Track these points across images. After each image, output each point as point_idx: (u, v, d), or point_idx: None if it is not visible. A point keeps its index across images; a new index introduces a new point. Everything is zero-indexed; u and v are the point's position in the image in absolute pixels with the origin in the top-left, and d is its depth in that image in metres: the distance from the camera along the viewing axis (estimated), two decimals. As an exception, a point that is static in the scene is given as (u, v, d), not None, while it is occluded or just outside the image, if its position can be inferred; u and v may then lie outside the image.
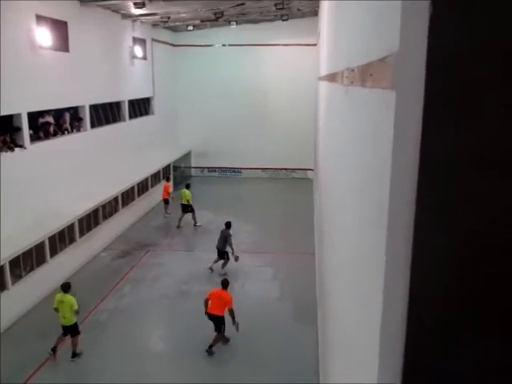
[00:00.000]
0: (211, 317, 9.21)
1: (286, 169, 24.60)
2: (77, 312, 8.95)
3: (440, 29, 0.67)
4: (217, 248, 12.94)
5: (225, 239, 12.91)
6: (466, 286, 0.87)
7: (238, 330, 9.23)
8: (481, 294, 0.86)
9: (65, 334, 9.04)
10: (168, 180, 18.54)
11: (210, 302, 9.19)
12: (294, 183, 23.21)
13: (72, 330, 9.03)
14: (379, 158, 1.66)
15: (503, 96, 0.71)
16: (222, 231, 13.13)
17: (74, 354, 9.05)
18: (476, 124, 0.74)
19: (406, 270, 0.91)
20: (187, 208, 16.75)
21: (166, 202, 17.95)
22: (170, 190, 18.22)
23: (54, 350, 8.94)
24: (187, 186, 17.41)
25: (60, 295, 9.03)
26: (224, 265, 12.89)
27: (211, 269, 12.88)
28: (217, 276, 12.58)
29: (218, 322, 9.19)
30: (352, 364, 2.67)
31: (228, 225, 13.18)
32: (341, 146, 4.57)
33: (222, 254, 12.90)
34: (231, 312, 9.09)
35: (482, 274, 0.84)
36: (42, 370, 8.69)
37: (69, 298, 8.93)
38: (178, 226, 16.76)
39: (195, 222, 16.82)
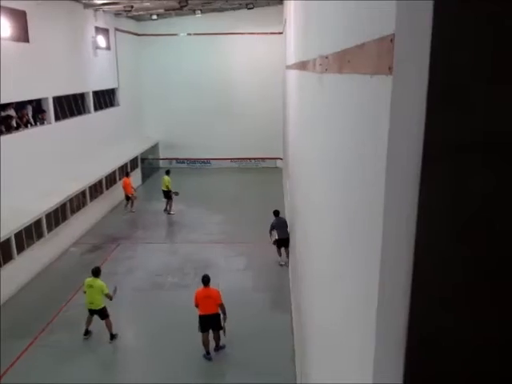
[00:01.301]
0: (207, 317, 8.70)
1: (255, 158, 24.62)
2: (108, 296, 9.16)
3: (444, 9, 0.69)
4: (281, 238, 12.45)
5: (286, 225, 12.49)
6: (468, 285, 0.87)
7: (225, 334, 8.88)
8: (484, 290, 0.87)
9: (91, 314, 9.27)
10: (128, 175, 17.57)
11: (199, 306, 8.72)
12: (264, 172, 23.29)
13: (101, 314, 9.24)
14: (367, 144, 1.69)
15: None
16: (277, 219, 12.70)
17: (112, 336, 9.27)
18: (483, 108, 0.75)
19: (407, 254, 0.91)
20: (169, 194, 16.86)
21: (127, 198, 17.29)
22: (132, 185, 17.61)
23: (87, 332, 9.31)
24: (167, 173, 17.55)
25: (90, 279, 9.21)
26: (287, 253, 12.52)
27: (282, 264, 12.60)
28: (190, 268, 12.57)
29: (216, 320, 8.75)
30: (337, 357, 2.73)
31: (276, 213, 12.90)
32: (315, 132, 4.61)
33: (287, 242, 12.37)
34: (222, 307, 8.69)
35: (484, 270, 0.85)
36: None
37: (98, 282, 9.15)
38: (169, 213, 16.97)
39: (169, 210, 16.93)
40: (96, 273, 9.28)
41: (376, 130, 1.45)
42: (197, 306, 8.75)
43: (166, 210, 17.12)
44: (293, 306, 9.62)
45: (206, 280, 8.91)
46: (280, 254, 12.69)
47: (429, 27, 0.73)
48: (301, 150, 7.46)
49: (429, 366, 0.89)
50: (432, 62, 0.77)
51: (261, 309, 10.50)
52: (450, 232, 0.82)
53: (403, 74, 0.95)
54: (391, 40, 1.22)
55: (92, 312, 9.28)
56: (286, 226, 12.45)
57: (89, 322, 9.35)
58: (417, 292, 0.89)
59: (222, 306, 8.67)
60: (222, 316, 8.74)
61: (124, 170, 18.54)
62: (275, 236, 12.57)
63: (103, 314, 9.26)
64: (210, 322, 8.76)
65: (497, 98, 0.74)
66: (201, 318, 8.72)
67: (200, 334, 8.75)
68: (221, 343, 8.98)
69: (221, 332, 8.89)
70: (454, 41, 0.72)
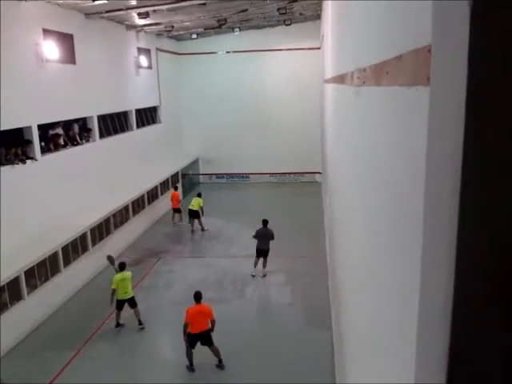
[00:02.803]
0: (199, 336, 8.67)
1: (293, 173, 24.59)
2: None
3: (482, 20, 0.69)
4: (260, 248, 12.71)
5: (269, 237, 12.65)
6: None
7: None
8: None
9: (120, 308, 10.20)
10: (176, 189, 18.42)
11: (192, 323, 8.60)
12: (303, 187, 23.20)
13: (132, 302, 10.26)
14: (406, 156, 1.68)
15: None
16: (263, 229, 12.83)
17: (140, 322, 10.27)
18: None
19: (449, 267, 0.90)
20: (195, 214, 16.92)
21: (176, 210, 17.81)
22: (180, 197, 18.20)
23: (118, 325, 10.27)
24: (199, 195, 17.62)
25: (119, 275, 10.22)
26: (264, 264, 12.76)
27: (253, 275, 12.83)
28: (229, 282, 12.61)
29: (207, 336, 8.75)
30: (380, 365, 2.68)
31: (265, 222, 13.00)
32: (351, 146, 4.58)
33: (266, 253, 12.65)
34: (213, 323, 8.70)
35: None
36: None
37: (127, 273, 10.35)
38: (193, 231, 17.09)
39: (202, 227, 17.08)
40: (122, 267, 10.41)
41: (414, 141, 1.44)
42: (187, 324, 8.61)
43: (192, 230, 17.02)
44: (333, 323, 9.46)
45: (198, 297, 8.88)
46: (255, 265, 12.85)
47: (465, 37, 0.73)
48: (338, 165, 7.41)
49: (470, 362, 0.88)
50: (470, 73, 0.76)
51: (299, 325, 10.39)
52: (489, 243, 0.81)
53: (440, 84, 0.94)
54: (429, 50, 1.22)
55: (121, 303, 10.16)
56: (269, 238, 12.60)
57: (118, 316, 10.27)
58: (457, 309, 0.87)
59: (213, 322, 8.73)
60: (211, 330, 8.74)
61: (165, 186, 18.94)
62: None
63: (134, 302, 10.29)
64: (201, 339, 8.73)
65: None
66: (192, 336, 8.64)
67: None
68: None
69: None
70: (490, 51, 0.71)
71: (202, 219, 17.08)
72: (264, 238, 12.70)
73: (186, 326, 8.62)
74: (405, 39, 1.75)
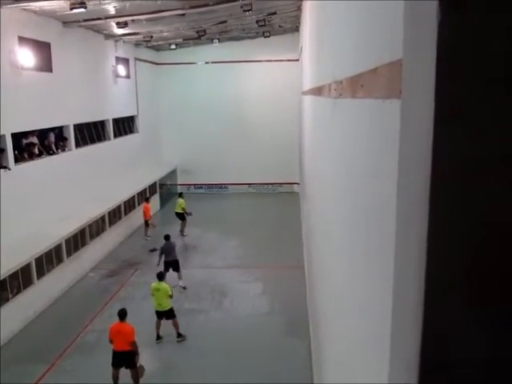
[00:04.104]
0: (119, 354, 8.29)
1: (272, 183, 24.70)
2: (171, 297, 10.00)
3: (450, 33, 0.72)
4: (167, 261, 12.73)
5: (174, 250, 12.97)
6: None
7: (142, 374, 8.39)
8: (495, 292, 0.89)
9: (160, 318, 10.02)
10: (147, 201, 17.74)
11: (113, 341, 8.34)
12: (281, 197, 23.31)
13: (169, 315, 10.04)
14: (379, 166, 1.71)
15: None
16: (167, 243, 12.96)
17: (179, 335, 10.05)
18: (487, 128, 0.78)
19: (420, 272, 0.93)
20: (183, 216, 17.21)
21: (146, 224, 17.41)
22: (151, 211, 17.76)
23: (158, 337, 10.00)
24: (180, 195, 18.10)
25: (155, 284, 10.05)
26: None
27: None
28: (207, 293, 12.54)
29: (128, 357, 8.26)
30: (355, 369, 2.70)
31: (167, 237, 13.13)
32: (329, 158, 4.64)
33: (176, 265, 12.84)
34: (134, 345, 8.23)
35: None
36: None
37: (164, 285, 10.04)
38: (182, 234, 17.24)
39: (182, 231, 17.22)
40: (160, 277, 10.16)
41: (388, 152, 1.48)
42: (111, 340, 8.39)
43: (182, 234, 17.28)
44: (311, 332, 9.48)
45: (121, 314, 8.54)
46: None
47: (434, 51, 0.76)
48: (316, 175, 7.49)
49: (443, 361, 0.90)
50: (438, 85, 0.79)
51: (277, 334, 10.37)
52: (461, 245, 0.84)
53: (410, 97, 0.97)
54: (401, 64, 1.26)
55: (160, 314, 10.00)
56: (174, 250, 12.91)
57: (158, 326, 10.01)
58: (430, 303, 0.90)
59: (133, 344, 8.24)
60: (135, 355, 8.31)
61: (143, 196, 18.77)
62: (163, 259, 12.84)
63: (171, 314, 10.04)
64: (123, 359, 8.31)
65: (500, 117, 0.77)
66: (114, 353, 8.38)
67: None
68: (140, 376, 8.46)
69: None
70: (459, 63, 0.75)
71: (185, 223, 17.24)
72: (169, 250, 12.88)
73: (110, 341, 8.39)
74: (380, 53, 1.80)
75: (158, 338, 10.01)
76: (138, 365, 8.40)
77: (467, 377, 0.94)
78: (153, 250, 10.99)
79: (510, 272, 0.84)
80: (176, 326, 10.04)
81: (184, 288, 12.68)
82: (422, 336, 0.88)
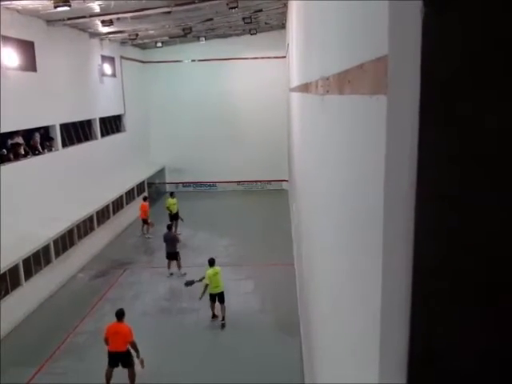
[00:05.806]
0: (114, 355, 8.26)
1: (260, 181, 24.70)
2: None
3: (433, 31, 0.72)
4: (168, 251, 13.71)
5: (172, 240, 13.80)
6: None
7: (143, 366, 8.28)
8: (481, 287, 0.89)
9: (213, 301, 10.78)
10: (145, 199, 18.03)
11: (109, 341, 8.26)
12: (270, 195, 23.33)
13: (221, 297, 10.83)
14: (367, 161, 1.72)
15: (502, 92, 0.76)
16: (167, 233, 14.02)
17: (223, 318, 10.74)
18: (473, 122, 0.78)
19: (407, 268, 0.93)
20: (177, 216, 17.36)
21: (144, 222, 17.50)
22: (148, 210, 17.86)
23: (214, 316, 10.87)
24: (171, 194, 18.12)
25: (211, 270, 10.80)
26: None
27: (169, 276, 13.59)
28: (198, 292, 12.50)
29: (124, 358, 8.29)
30: (346, 366, 2.71)
31: (169, 226, 14.37)
32: (318, 153, 4.64)
33: (175, 256, 13.67)
34: (133, 345, 8.19)
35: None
36: None
37: (218, 268, 10.93)
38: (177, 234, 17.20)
39: (175, 231, 17.03)
40: (212, 263, 10.98)
41: (374, 148, 1.47)
42: (106, 341, 8.33)
43: (175, 229, 17.17)
44: (301, 329, 9.51)
45: (118, 314, 8.50)
46: (169, 267, 13.65)
47: (418, 47, 0.76)
48: (304, 172, 7.50)
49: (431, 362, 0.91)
50: (423, 79, 0.79)
51: (268, 331, 10.39)
52: (448, 243, 0.84)
53: (396, 92, 0.97)
54: (387, 60, 1.26)
55: (213, 297, 10.76)
56: (173, 241, 13.73)
57: (213, 308, 10.84)
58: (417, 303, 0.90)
59: (132, 344, 8.21)
60: (135, 353, 8.27)
61: (131, 195, 18.65)
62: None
63: (222, 297, 10.82)
64: (119, 359, 8.32)
65: (480, 113, 0.77)
66: (109, 354, 8.32)
67: None
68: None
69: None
70: (442, 60, 0.75)
71: (178, 223, 17.27)
72: (169, 241, 13.76)
73: (105, 340, 8.31)
74: (366, 49, 1.80)
75: (214, 316, 10.90)
76: (139, 359, 8.29)
77: (455, 372, 0.95)
78: (189, 284, 10.82)
79: (496, 268, 0.84)
80: (224, 310, 10.80)
81: (184, 274, 13.24)
82: (409, 333, 0.88)
